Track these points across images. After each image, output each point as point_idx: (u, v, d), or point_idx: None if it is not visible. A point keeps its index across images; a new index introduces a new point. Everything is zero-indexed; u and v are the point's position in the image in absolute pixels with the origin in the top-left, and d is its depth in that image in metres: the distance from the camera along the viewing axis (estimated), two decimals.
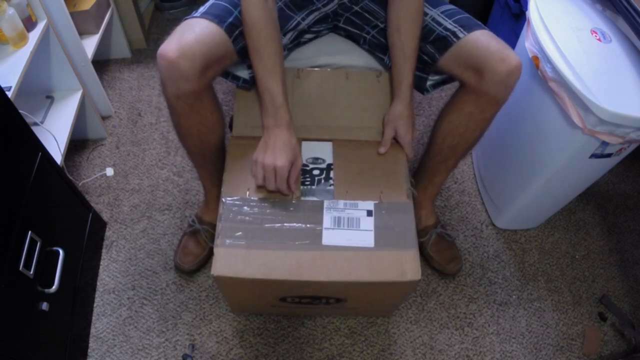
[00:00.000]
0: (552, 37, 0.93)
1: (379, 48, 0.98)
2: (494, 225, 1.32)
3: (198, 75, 0.77)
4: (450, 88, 0.97)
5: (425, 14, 0.91)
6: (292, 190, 0.87)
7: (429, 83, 0.98)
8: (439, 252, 1.18)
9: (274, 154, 0.83)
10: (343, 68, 1.01)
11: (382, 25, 0.95)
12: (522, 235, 1.31)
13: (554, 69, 0.91)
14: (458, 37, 0.86)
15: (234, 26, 0.83)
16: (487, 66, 0.82)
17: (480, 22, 0.89)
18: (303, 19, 0.95)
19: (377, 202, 0.87)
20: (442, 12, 0.91)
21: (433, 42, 0.90)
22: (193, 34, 0.77)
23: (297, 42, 0.98)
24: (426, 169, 1.10)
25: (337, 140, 0.96)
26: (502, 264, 1.24)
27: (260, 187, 0.87)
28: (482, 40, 0.85)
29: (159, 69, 0.77)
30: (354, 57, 1.02)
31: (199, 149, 0.96)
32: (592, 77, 0.86)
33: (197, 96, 0.81)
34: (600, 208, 1.38)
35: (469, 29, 0.87)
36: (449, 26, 0.88)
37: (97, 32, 1.41)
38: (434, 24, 0.90)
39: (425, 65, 0.94)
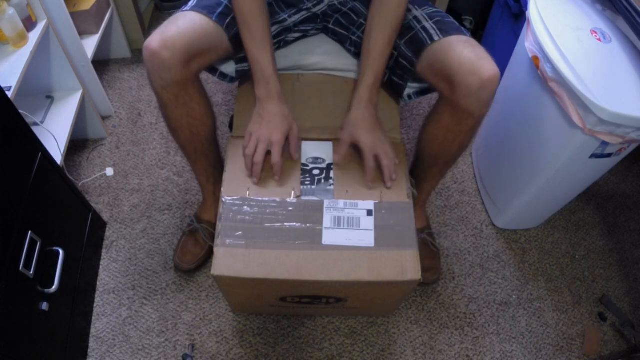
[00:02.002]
0: (552, 37, 0.93)
1: None
2: (494, 225, 1.32)
3: (181, 66, 0.79)
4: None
5: (409, 10, 0.89)
6: (295, 157, 0.91)
7: (409, 91, 0.96)
8: None
9: (269, 128, 0.86)
10: (330, 70, 1.01)
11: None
12: (522, 235, 1.31)
13: (554, 69, 0.91)
14: (433, 40, 0.83)
15: (225, 15, 0.85)
16: (458, 77, 0.77)
17: (462, 28, 0.86)
18: (290, 17, 0.95)
19: (377, 201, 0.87)
20: (425, 12, 0.89)
21: (409, 43, 0.87)
22: (176, 26, 0.80)
23: (282, 39, 0.97)
24: (414, 175, 1.08)
25: (337, 139, 0.96)
26: (502, 264, 1.24)
27: (258, 181, 0.89)
28: (456, 47, 0.79)
29: (144, 60, 0.80)
30: (342, 59, 1.01)
31: (190, 142, 0.97)
32: (592, 77, 0.86)
33: (182, 87, 0.83)
34: (600, 208, 1.38)
35: (446, 33, 0.83)
36: (427, 26, 0.85)
37: (97, 32, 1.41)
38: (415, 22, 0.88)
39: (404, 72, 0.90)
